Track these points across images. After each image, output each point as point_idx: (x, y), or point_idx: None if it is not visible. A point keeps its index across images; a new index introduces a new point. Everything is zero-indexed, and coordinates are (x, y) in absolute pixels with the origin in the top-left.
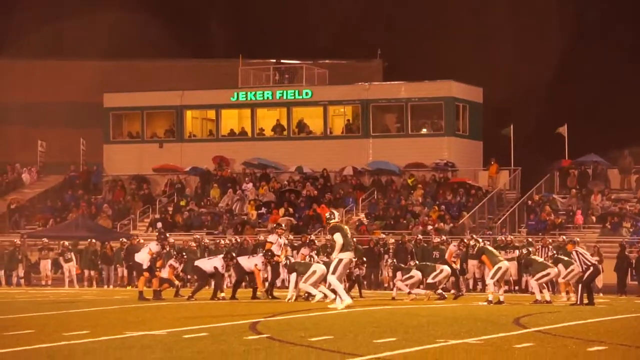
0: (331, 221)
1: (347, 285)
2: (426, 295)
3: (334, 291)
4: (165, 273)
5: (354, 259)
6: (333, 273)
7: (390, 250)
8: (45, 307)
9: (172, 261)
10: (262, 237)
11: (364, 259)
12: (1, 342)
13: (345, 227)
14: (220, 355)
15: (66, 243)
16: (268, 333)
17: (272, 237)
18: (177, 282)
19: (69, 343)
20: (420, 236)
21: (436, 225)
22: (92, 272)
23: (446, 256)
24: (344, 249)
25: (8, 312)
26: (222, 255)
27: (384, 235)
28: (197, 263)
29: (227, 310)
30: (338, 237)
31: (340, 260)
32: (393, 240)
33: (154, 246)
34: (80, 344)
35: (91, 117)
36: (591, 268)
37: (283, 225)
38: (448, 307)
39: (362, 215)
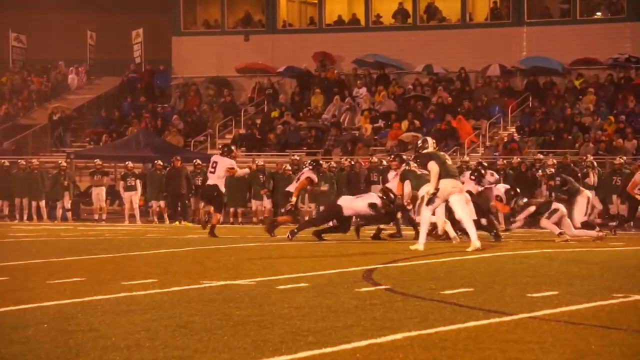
0: (424, 150)
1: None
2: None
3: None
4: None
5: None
6: (428, 204)
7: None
8: (99, 248)
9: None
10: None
11: (517, 189)
12: (45, 291)
13: (443, 154)
14: (325, 311)
15: (130, 165)
16: (387, 284)
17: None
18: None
19: (130, 294)
20: (591, 157)
21: (614, 143)
22: (161, 204)
23: (628, 187)
24: (443, 175)
25: (53, 254)
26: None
27: (541, 156)
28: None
29: (333, 253)
30: (433, 165)
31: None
32: (554, 162)
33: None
34: (144, 295)
35: (155, 0)
36: None
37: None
38: (626, 251)
39: (512, 130)
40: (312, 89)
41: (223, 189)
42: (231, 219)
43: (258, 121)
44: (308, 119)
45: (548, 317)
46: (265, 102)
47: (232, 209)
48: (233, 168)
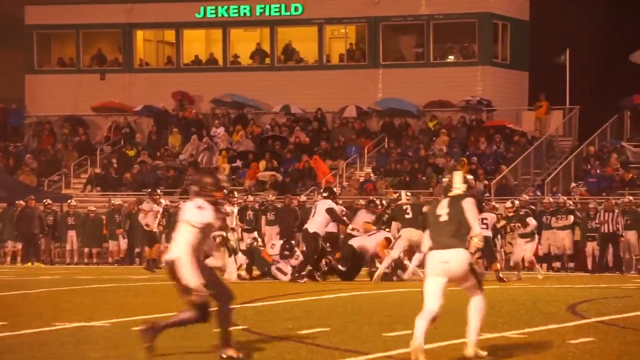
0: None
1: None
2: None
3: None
4: None
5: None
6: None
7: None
8: None
9: None
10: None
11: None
12: None
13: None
14: (181, 353)
15: None
16: (245, 324)
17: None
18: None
19: None
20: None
21: None
22: (18, 245)
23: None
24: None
25: None
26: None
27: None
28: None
29: None
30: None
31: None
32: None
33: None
34: None
35: (8, 37)
36: None
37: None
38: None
39: (368, 170)
40: (170, 128)
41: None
42: (85, 260)
43: (114, 160)
44: (165, 158)
45: (402, 357)
46: (122, 141)
47: (86, 249)
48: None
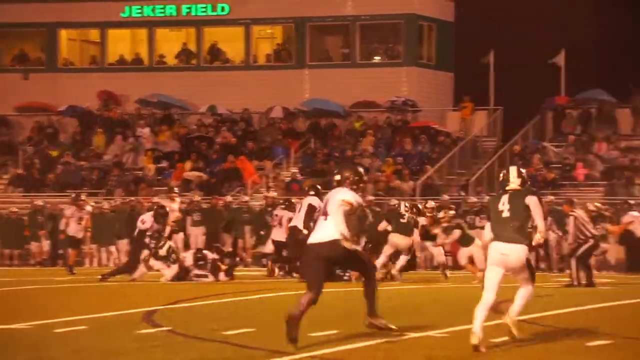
0: None
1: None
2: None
3: None
4: None
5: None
6: None
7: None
8: None
9: None
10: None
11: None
12: None
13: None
14: (104, 354)
15: None
16: (169, 325)
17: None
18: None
19: None
20: (370, 197)
21: (391, 184)
22: None
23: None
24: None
25: None
26: None
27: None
28: None
29: (114, 295)
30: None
31: None
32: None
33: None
34: None
35: None
36: (590, 240)
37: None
38: (408, 290)
39: (295, 170)
40: (94, 128)
41: None
42: (7, 261)
43: (37, 161)
44: (90, 158)
45: (327, 357)
46: (45, 141)
47: (7, 251)
48: None
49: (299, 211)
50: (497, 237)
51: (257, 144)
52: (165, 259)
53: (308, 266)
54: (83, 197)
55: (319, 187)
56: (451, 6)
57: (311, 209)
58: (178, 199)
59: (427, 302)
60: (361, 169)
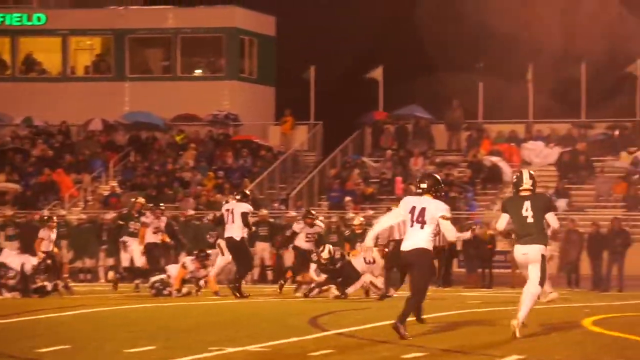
0: None
1: None
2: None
3: None
4: None
5: None
6: None
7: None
8: None
9: None
10: None
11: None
12: None
13: None
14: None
15: None
16: None
17: None
18: None
19: None
20: (191, 211)
21: (212, 198)
22: None
23: None
24: None
25: None
26: None
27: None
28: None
29: None
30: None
31: None
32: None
33: None
34: None
35: None
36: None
37: None
38: (227, 304)
39: (114, 184)
40: None
41: None
42: None
43: None
44: None
45: None
46: None
47: None
48: None
49: (232, 222)
50: (521, 240)
51: (75, 157)
52: None
53: (408, 273)
54: None
55: (247, 192)
56: (272, 21)
57: (245, 216)
58: None
59: (245, 316)
60: (439, 177)
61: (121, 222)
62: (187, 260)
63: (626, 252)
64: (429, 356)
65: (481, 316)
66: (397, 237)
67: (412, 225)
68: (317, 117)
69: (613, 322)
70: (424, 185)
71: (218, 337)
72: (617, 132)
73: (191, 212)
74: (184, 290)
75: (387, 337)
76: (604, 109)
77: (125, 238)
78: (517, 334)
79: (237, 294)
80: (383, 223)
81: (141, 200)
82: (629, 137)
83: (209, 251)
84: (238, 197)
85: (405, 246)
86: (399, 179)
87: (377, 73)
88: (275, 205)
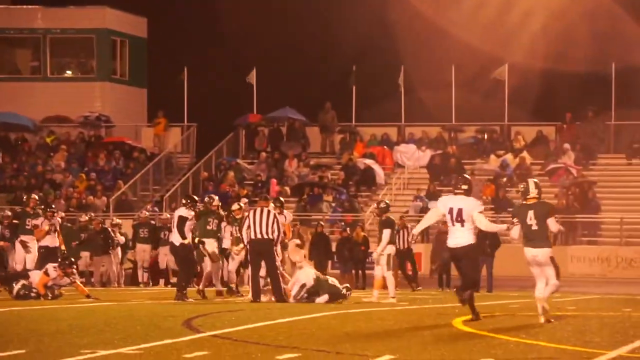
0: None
1: None
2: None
3: None
4: None
5: None
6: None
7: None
8: None
9: None
10: None
11: None
12: None
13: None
14: None
15: None
16: None
17: None
18: None
19: None
20: (62, 214)
21: (85, 200)
22: None
23: None
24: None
25: None
26: None
27: (9, 213)
28: None
29: None
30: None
31: None
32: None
33: None
34: None
35: None
36: None
37: None
38: (99, 307)
39: None
40: None
41: None
42: None
43: None
44: None
45: None
46: None
47: None
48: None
49: (174, 227)
50: (530, 244)
51: None
52: None
53: (460, 267)
54: None
55: (196, 198)
56: (144, 22)
57: (182, 220)
58: None
59: (118, 318)
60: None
61: (16, 221)
62: (50, 267)
63: (495, 253)
64: (302, 357)
65: (356, 316)
66: (252, 236)
67: (453, 225)
68: (190, 119)
69: (482, 322)
70: (465, 187)
71: (90, 340)
72: (486, 136)
73: (61, 214)
74: (50, 295)
75: (261, 339)
76: (473, 113)
77: (24, 238)
78: (542, 320)
79: (184, 299)
80: (429, 220)
81: (35, 196)
82: (497, 141)
83: None
84: (183, 201)
85: (451, 244)
86: (274, 180)
87: (251, 76)
88: (149, 207)
